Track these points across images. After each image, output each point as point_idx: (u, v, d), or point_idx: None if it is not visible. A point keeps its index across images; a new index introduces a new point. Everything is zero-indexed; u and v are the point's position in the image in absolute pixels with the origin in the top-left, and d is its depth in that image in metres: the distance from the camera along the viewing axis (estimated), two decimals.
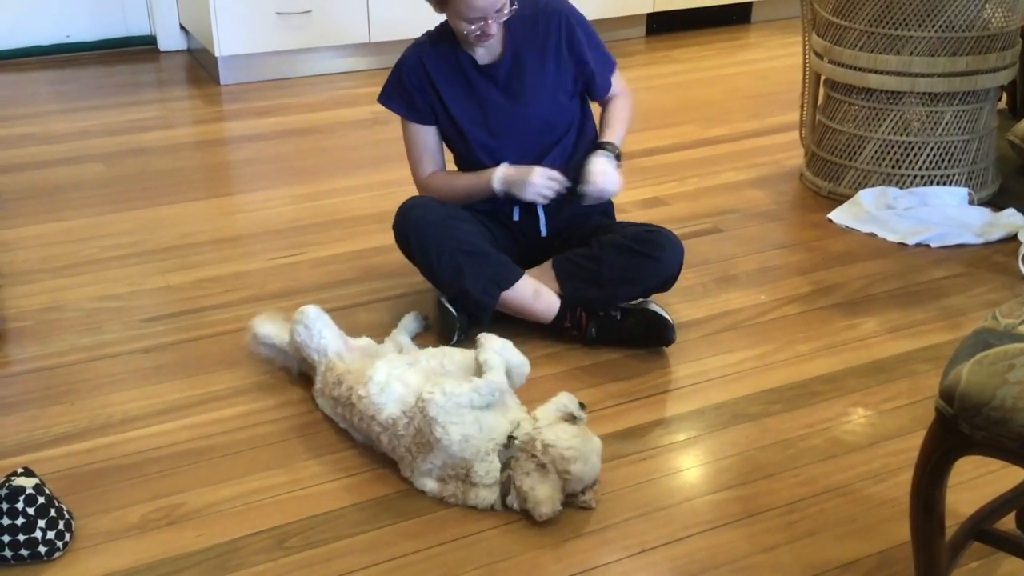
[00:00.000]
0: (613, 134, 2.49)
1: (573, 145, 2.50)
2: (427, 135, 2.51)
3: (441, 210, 2.45)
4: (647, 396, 2.30)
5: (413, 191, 2.60)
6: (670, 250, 2.41)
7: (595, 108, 2.59)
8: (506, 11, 2.31)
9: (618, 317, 2.42)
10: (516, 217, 2.54)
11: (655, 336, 2.42)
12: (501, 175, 2.41)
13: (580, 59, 2.47)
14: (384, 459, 2.08)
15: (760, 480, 2.03)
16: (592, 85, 2.52)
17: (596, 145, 2.46)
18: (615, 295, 2.42)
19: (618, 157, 2.45)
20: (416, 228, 2.41)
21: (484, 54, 2.43)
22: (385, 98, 2.53)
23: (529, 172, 2.38)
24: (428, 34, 2.48)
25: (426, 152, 2.52)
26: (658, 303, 2.49)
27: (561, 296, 2.43)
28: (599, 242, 2.41)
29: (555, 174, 2.39)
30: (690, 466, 2.08)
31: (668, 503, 1.97)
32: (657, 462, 2.09)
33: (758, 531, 1.89)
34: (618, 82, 2.57)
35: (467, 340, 2.47)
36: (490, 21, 2.29)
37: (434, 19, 2.43)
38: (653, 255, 2.39)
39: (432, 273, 2.44)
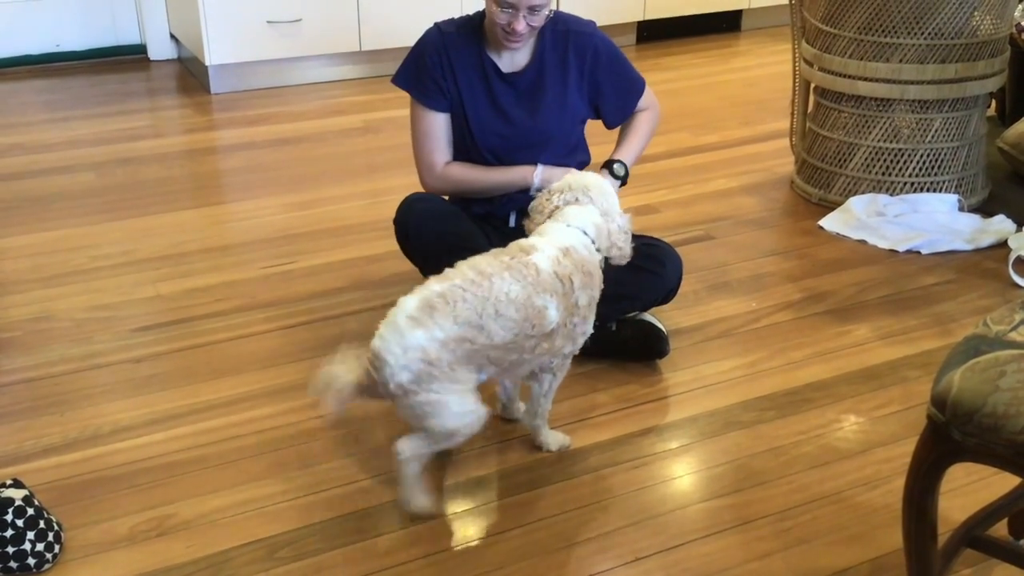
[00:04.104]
0: (626, 150, 2.48)
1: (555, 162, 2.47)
2: (442, 122, 2.43)
3: (445, 207, 2.45)
4: (640, 404, 2.30)
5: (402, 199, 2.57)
6: (671, 264, 2.41)
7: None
8: (539, 17, 2.26)
9: (613, 328, 2.42)
10: (512, 223, 2.53)
11: (649, 348, 2.42)
12: (540, 171, 2.40)
13: (597, 90, 2.45)
14: (376, 469, 2.07)
15: (753, 488, 2.03)
16: (603, 115, 2.50)
17: (607, 162, 2.45)
18: (615, 310, 2.41)
19: (624, 177, 2.44)
20: (418, 220, 2.40)
21: (509, 62, 2.40)
22: (401, 80, 2.44)
23: (566, 171, 2.35)
24: (453, 23, 2.42)
25: (440, 140, 2.44)
26: (653, 314, 2.48)
27: None
28: None
29: None
30: (683, 474, 2.08)
31: (661, 511, 1.96)
32: (650, 470, 2.08)
33: (751, 539, 1.89)
34: (646, 97, 2.53)
35: None
36: (520, 15, 2.23)
37: (424, 27, 2.43)
38: (654, 270, 2.39)
39: (429, 267, 2.42)
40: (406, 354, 1.80)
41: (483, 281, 1.88)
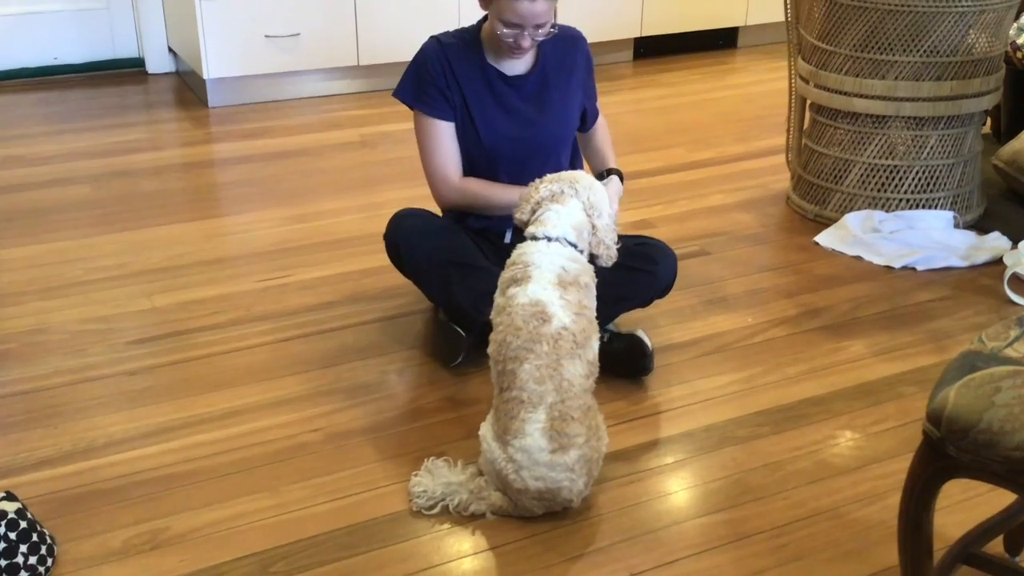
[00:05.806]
0: (612, 159, 2.59)
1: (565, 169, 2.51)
2: (451, 132, 2.42)
3: (435, 221, 2.47)
4: (635, 419, 2.29)
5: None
6: (664, 261, 2.43)
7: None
8: (543, 31, 2.30)
9: (605, 339, 2.42)
10: (508, 240, 2.53)
11: (633, 364, 2.41)
12: None
13: (588, 94, 2.55)
14: (371, 483, 2.07)
15: (748, 503, 2.02)
16: (585, 118, 2.58)
17: (609, 170, 2.51)
18: (611, 313, 2.41)
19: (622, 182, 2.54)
20: (407, 237, 2.42)
21: (511, 67, 2.42)
22: (404, 94, 2.44)
23: None
24: (451, 35, 2.43)
25: (451, 151, 2.43)
26: (646, 331, 2.47)
27: None
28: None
29: None
30: (678, 489, 2.07)
31: (656, 526, 1.96)
32: (645, 485, 2.08)
33: (747, 555, 1.88)
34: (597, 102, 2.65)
35: (469, 363, 2.46)
36: (525, 33, 2.27)
37: (422, 41, 2.44)
38: (648, 269, 2.41)
39: (421, 283, 2.46)
40: (576, 476, 1.91)
41: (563, 383, 1.90)
